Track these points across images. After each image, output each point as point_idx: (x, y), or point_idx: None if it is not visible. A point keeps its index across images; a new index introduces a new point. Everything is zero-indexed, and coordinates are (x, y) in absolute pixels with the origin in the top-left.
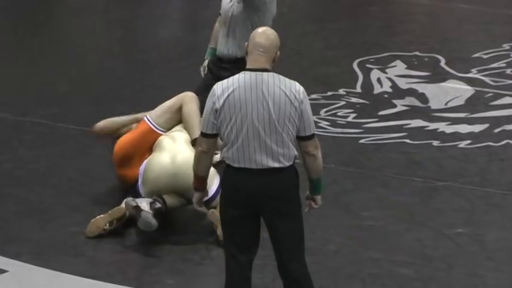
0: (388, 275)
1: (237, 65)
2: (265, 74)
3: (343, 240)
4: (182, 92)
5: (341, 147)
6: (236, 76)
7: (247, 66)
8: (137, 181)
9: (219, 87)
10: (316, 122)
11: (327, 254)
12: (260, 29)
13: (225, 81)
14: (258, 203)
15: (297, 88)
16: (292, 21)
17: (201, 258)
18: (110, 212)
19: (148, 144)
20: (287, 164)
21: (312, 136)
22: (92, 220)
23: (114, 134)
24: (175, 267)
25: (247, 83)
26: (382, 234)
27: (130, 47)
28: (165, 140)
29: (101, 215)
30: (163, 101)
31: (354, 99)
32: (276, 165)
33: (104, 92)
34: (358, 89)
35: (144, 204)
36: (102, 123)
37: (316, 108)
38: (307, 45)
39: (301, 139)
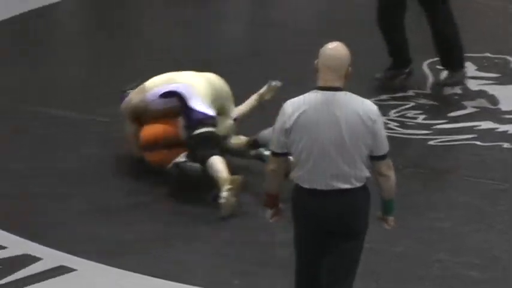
0: (456, 277)
1: None
2: (337, 93)
3: (411, 242)
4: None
5: (410, 148)
6: (307, 95)
7: (318, 85)
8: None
9: (289, 106)
10: (385, 123)
11: (394, 255)
12: (330, 46)
13: (295, 99)
14: (327, 224)
15: (370, 107)
16: (361, 22)
17: (268, 259)
18: (228, 186)
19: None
20: (358, 185)
21: (384, 156)
22: (223, 202)
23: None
24: (243, 268)
25: (318, 102)
26: (450, 236)
27: (194, 46)
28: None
29: (224, 194)
30: None
31: (423, 101)
32: (347, 186)
33: None
34: (428, 90)
35: (178, 159)
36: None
37: (385, 109)
38: (377, 46)
39: (374, 159)
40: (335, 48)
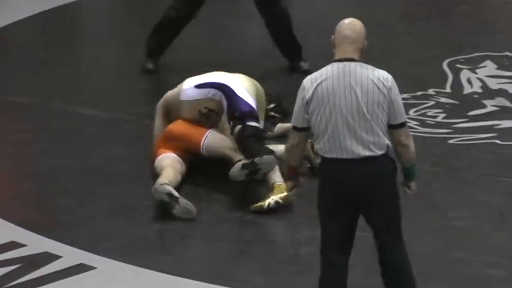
0: (477, 276)
1: None
2: (352, 63)
3: (431, 241)
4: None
5: (430, 147)
6: (324, 68)
7: (336, 58)
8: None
9: (307, 80)
10: None
11: (414, 254)
12: (346, 20)
13: (313, 74)
14: (352, 193)
15: (385, 76)
16: (383, 21)
17: (290, 257)
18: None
19: (187, 146)
20: (379, 152)
21: (403, 124)
22: (267, 205)
23: None
24: (264, 265)
25: (334, 73)
26: (471, 235)
27: (215, 46)
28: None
29: (273, 202)
30: None
31: (443, 99)
32: (367, 153)
33: None
34: (448, 89)
35: (175, 191)
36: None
37: (405, 108)
38: (397, 44)
39: (393, 128)
40: (350, 23)
